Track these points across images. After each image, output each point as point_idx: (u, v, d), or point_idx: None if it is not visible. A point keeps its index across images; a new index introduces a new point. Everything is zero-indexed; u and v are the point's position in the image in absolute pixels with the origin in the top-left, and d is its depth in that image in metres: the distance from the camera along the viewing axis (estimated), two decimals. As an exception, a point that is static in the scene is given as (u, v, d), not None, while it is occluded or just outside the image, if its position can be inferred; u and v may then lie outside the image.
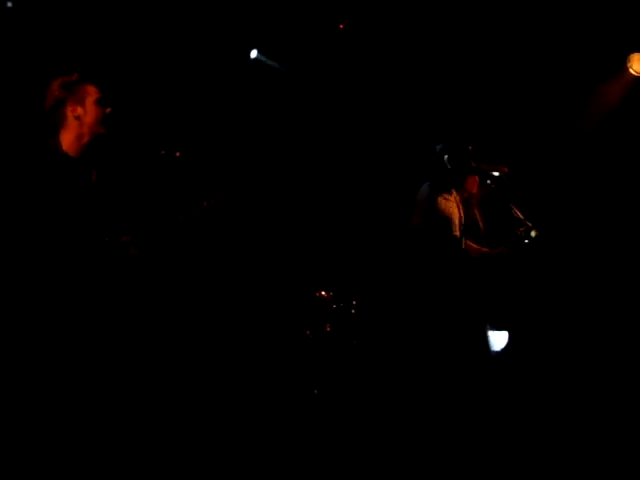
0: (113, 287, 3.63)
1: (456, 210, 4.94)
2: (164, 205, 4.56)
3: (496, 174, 4.83)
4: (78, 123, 3.54)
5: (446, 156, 4.91)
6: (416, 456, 4.11)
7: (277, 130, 6.17)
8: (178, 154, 3.95)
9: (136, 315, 4.43)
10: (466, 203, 5.03)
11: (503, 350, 5.13)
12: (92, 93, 3.56)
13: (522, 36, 6.02)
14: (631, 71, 6.06)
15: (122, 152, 4.64)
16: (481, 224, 5.13)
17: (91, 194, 3.59)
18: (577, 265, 6.17)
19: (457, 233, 4.90)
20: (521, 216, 4.85)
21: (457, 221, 4.92)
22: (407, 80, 6.32)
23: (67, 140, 3.54)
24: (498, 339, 5.12)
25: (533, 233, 4.75)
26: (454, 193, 4.97)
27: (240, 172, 5.67)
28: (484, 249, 5.09)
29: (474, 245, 5.08)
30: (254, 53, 6.01)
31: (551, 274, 6.13)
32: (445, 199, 4.89)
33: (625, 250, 6.12)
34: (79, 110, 3.52)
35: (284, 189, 6.05)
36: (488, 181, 4.87)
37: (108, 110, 3.59)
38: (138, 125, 5.11)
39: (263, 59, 6.05)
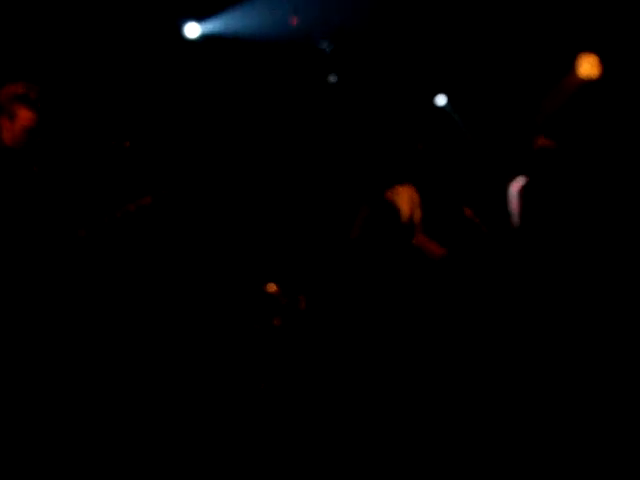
0: (65, 275, 3.77)
1: (406, 203, 4.92)
2: (116, 193, 4.53)
3: None
4: (5, 131, 3.60)
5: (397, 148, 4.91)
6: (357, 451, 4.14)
7: (225, 120, 6.12)
8: (128, 144, 3.97)
9: (88, 304, 4.55)
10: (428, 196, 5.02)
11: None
12: (23, 119, 3.57)
13: (473, 38, 6.11)
14: (579, 73, 6.14)
15: (70, 142, 4.62)
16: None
17: (30, 188, 3.67)
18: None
19: (407, 225, 4.89)
20: (472, 215, 4.89)
21: (408, 213, 4.91)
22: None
23: (4, 137, 3.63)
24: None
25: None
26: (407, 186, 4.96)
27: (190, 164, 5.63)
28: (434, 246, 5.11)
29: (427, 240, 5.07)
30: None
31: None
32: (395, 192, 4.87)
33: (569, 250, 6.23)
34: (6, 124, 3.58)
35: (236, 181, 6.02)
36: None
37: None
38: (85, 117, 5.06)
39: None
